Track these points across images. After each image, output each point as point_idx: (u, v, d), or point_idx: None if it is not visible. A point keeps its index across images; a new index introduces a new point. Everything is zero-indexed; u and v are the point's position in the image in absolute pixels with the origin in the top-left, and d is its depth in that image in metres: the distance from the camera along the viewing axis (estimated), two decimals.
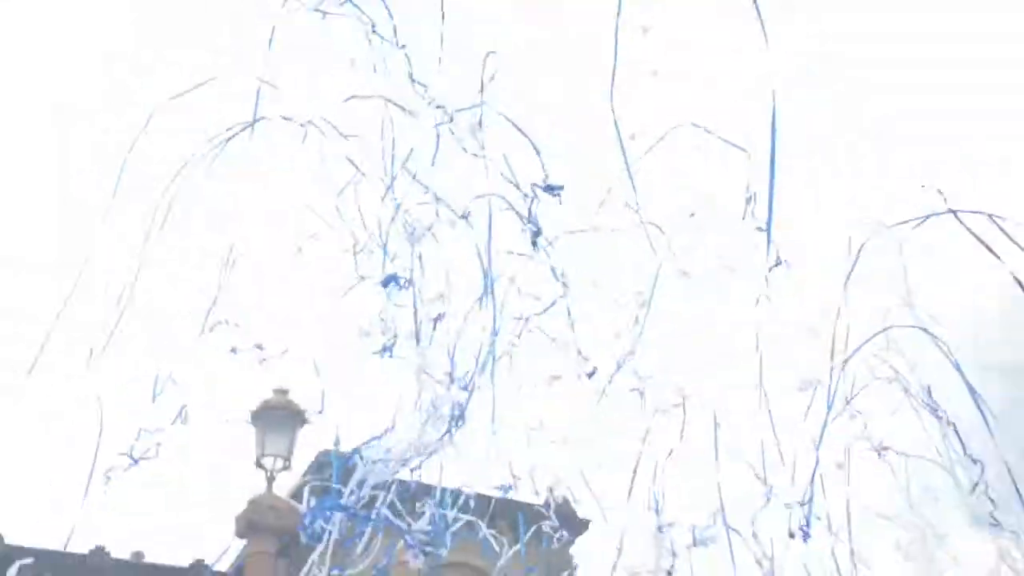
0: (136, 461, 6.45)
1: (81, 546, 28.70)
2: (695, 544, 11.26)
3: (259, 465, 8.37)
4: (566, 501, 17.62)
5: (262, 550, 8.32)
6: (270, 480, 8.27)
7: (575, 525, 18.59)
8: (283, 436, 8.39)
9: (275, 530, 8.31)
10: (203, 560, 30.08)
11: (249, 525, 8.17)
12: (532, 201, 7.47)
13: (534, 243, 7.58)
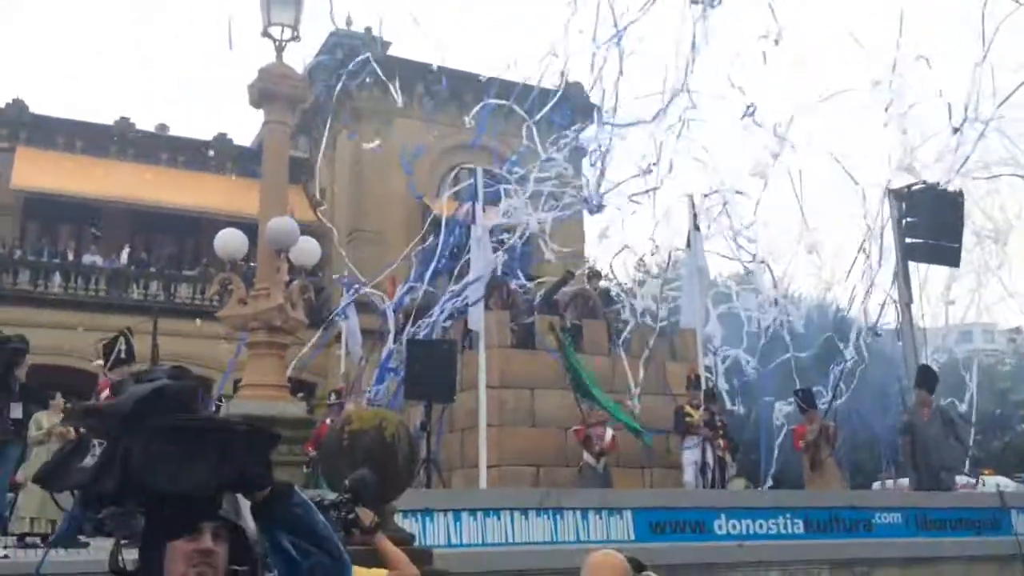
0: None
1: (107, 117, 29.28)
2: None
3: (266, 35, 8.17)
4: (580, 87, 17.73)
5: (278, 119, 8.44)
6: (279, 50, 8.14)
7: (585, 111, 18.73)
8: (288, 5, 8.09)
9: (289, 99, 8.34)
10: (225, 134, 30.78)
11: (262, 94, 8.19)
12: None
13: None
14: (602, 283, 15.69)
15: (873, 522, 9.17)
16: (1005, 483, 15.93)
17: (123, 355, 9.48)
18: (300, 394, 13.69)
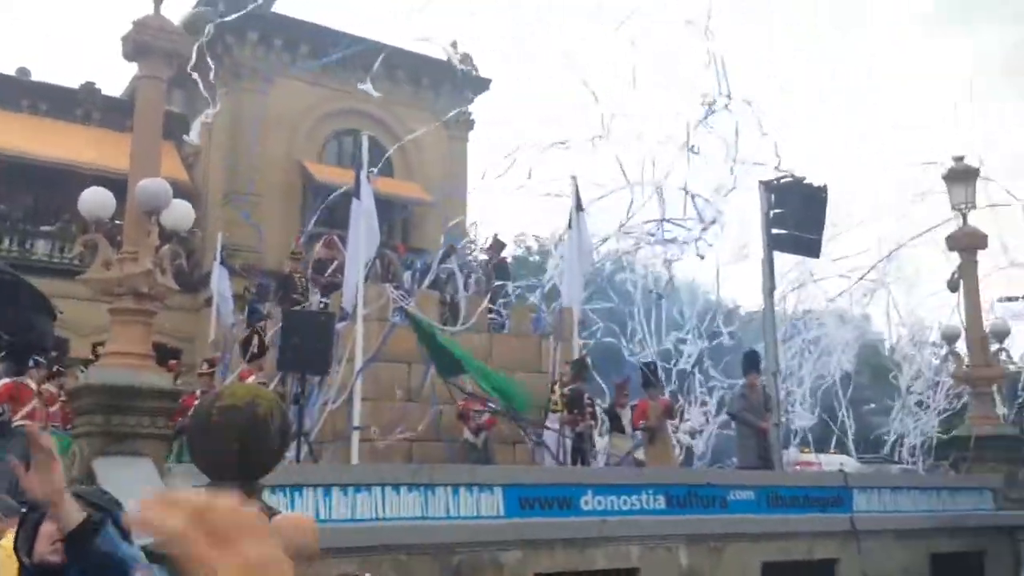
0: None
1: None
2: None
3: None
4: (469, 59, 17.83)
5: (153, 74, 8.05)
6: (157, 1, 7.75)
7: (475, 84, 18.99)
8: None
9: (165, 53, 7.96)
10: (94, 83, 29.14)
11: (137, 47, 7.78)
12: None
13: None
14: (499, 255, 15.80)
15: (729, 499, 9.65)
16: (847, 462, 17.02)
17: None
18: (173, 360, 13.21)
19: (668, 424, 12.24)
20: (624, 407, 12.08)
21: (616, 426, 12.34)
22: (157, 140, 8.64)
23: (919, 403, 16.80)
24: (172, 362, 12.34)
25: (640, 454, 11.81)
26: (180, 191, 12.16)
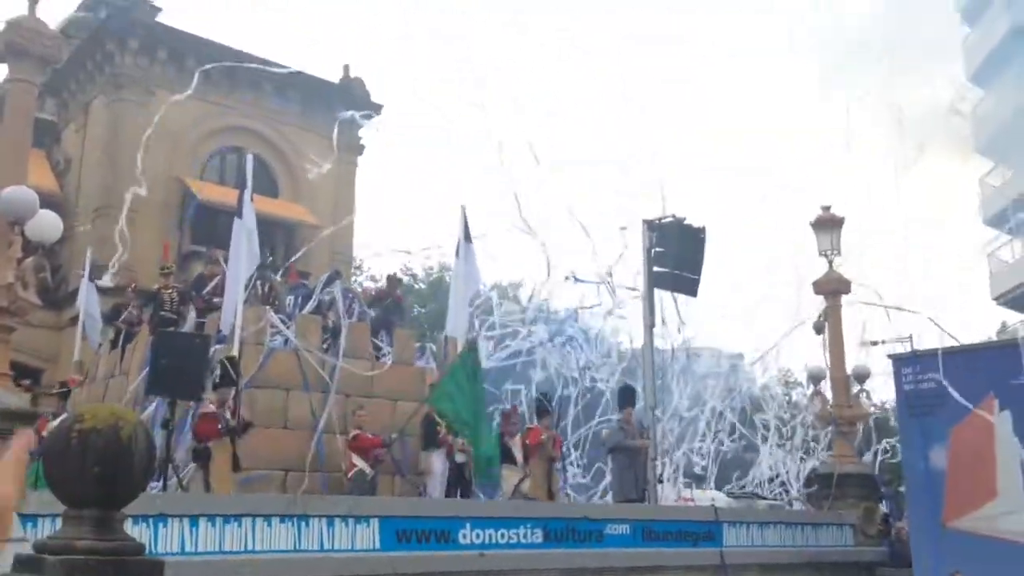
0: None
1: None
2: None
3: None
4: (361, 83, 17.85)
5: (25, 78, 7.65)
6: (32, 1, 7.36)
7: (368, 108, 18.76)
8: None
9: (40, 58, 7.57)
10: None
11: (9, 49, 7.37)
12: None
13: None
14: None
15: (604, 533, 9.75)
16: (719, 497, 17.50)
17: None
18: (27, 381, 12.46)
19: (557, 459, 12.30)
20: (513, 435, 11.96)
21: (507, 457, 12.22)
22: (26, 147, 8.20)
23: (785, 441, 17.48)
24: (23, 383, 11.60)
25: (525, 486, 11.76)
26: (49, 202, 11.55)
